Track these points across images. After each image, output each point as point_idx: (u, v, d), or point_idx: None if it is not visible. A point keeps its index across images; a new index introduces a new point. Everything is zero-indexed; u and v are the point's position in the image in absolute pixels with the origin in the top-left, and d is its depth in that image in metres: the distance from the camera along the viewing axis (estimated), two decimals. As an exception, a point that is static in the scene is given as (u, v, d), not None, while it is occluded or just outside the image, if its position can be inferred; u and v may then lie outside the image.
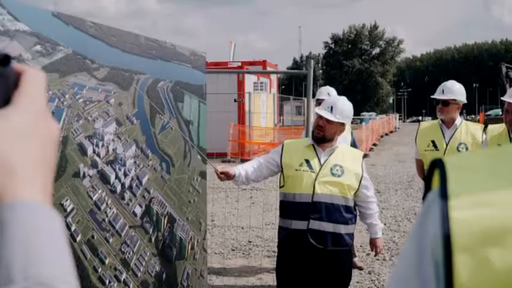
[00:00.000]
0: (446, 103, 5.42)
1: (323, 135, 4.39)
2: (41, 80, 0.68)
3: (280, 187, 4.55)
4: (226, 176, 4.43)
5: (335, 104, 4.42)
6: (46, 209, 0.59)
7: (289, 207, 4.41)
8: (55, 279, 0.54)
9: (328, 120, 4.35)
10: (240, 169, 4.48)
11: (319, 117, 4.41)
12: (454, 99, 5.41)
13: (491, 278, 0.59)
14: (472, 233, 0.62)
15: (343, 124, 4.44)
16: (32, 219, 0.57)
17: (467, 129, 5.44)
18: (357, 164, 4.45)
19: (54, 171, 0.64)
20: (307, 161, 4.37)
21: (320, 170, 4.33)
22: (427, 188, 0.71)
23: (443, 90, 5.48)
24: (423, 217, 0.68)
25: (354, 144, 7.18)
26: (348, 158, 4.45)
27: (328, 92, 6.64)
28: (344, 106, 4.45)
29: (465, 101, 5.52)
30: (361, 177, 4.40)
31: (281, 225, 4.52)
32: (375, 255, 5.48)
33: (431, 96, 5.54)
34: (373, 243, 4.69)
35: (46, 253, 0.55)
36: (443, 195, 0.65)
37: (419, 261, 0.66)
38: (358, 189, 4.39)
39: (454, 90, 5.45)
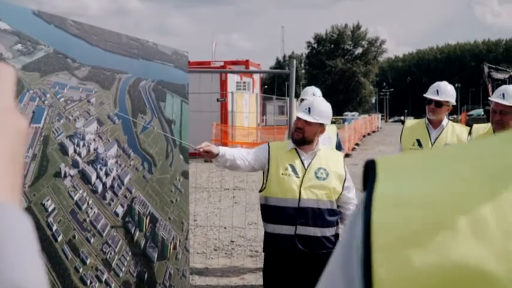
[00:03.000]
0: (439, 104, 5.42)
1: (302, 137, 4.41)
2: (9, 76, 0.66)
3: (260, 190, 4.54)
4: (209, 155, 4.40)
5: (312, 105, 4.44)
6: (16, 209, 0.57)
7: (274, 212, 4.40)
8: (28, 283, 0.52)
9: (306, 122, 4.38)
10: (225, 150, 4.43)
11: (298, 119, 4.44)
12: (447, 101, 5.43)
13: (411, 277, 0.59)
14: (392, 233, 0.61)
15: (322, 125, 4.46)
16: (3, 221, 0.55)
17: (454, 131, 5.46)
18: (340, 165, 4.48)
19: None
20: (292, 166, 4.38)
21: (305, 174, 4.34)
22: (364, 188, 0.71)
23: (437, 91, 5.44)
24: (354, 218, 0.67)
25: (339, 145, 7.19)
26: (331, 160, 4.47)
27: (313, 93, 6.58)
28: (321, 107, 4.46)
29: (454, 103, 5.55)
30: (345, 179, 4.43)
31: (266, 230, 4.51)
32: None
33: (425, 95, 5.51)
34: None
35: (19, 256, 0.53)
36: (369, 195, 0.65)
37: (346, 262, 0.65)
38: (341, 191, 4.41)
39: (447, 91, 5.45)
